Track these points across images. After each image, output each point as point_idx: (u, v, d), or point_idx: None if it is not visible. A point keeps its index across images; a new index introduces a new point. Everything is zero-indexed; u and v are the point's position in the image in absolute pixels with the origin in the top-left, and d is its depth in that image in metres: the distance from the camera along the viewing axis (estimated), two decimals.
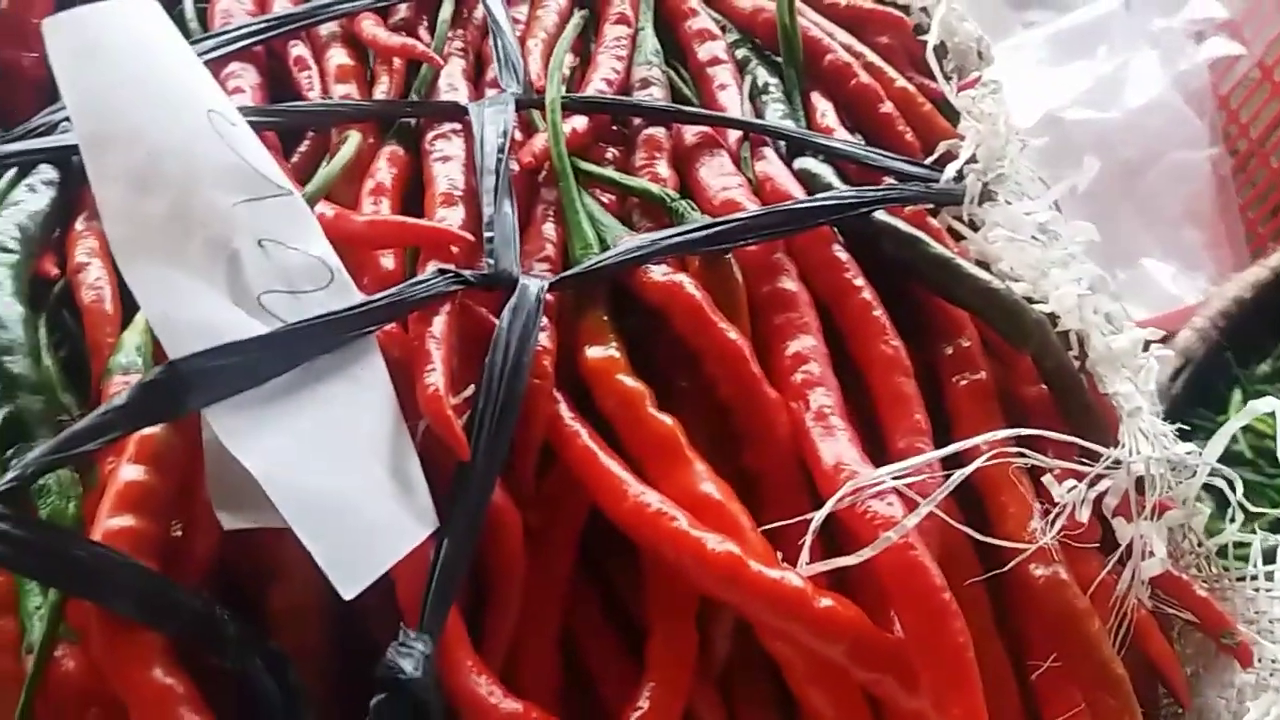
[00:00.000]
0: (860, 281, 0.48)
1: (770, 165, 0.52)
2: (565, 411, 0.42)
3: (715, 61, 0.58)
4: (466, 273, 0.43)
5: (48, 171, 0.49)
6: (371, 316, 0.40)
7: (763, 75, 0.58)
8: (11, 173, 0.49)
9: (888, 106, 0.59)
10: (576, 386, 0.43)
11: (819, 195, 0.49)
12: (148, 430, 0.38)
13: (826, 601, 0.37)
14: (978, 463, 0.40)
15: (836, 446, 0.41)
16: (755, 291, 0.47)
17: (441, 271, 0.42)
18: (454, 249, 0.44)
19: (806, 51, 0.59)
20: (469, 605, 0.40)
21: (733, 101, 0.56)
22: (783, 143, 0.54)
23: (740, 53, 0.60)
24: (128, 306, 0.45)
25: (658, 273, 0.44)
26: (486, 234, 0.44)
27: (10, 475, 0.36)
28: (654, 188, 0.48)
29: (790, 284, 0.47)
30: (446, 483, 0.39)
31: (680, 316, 0.43)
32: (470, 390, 0.41)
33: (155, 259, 0.35)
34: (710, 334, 0.43)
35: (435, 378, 0.39)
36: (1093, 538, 0.44)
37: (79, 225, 0.48)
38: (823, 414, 0.43)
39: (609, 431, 0.42)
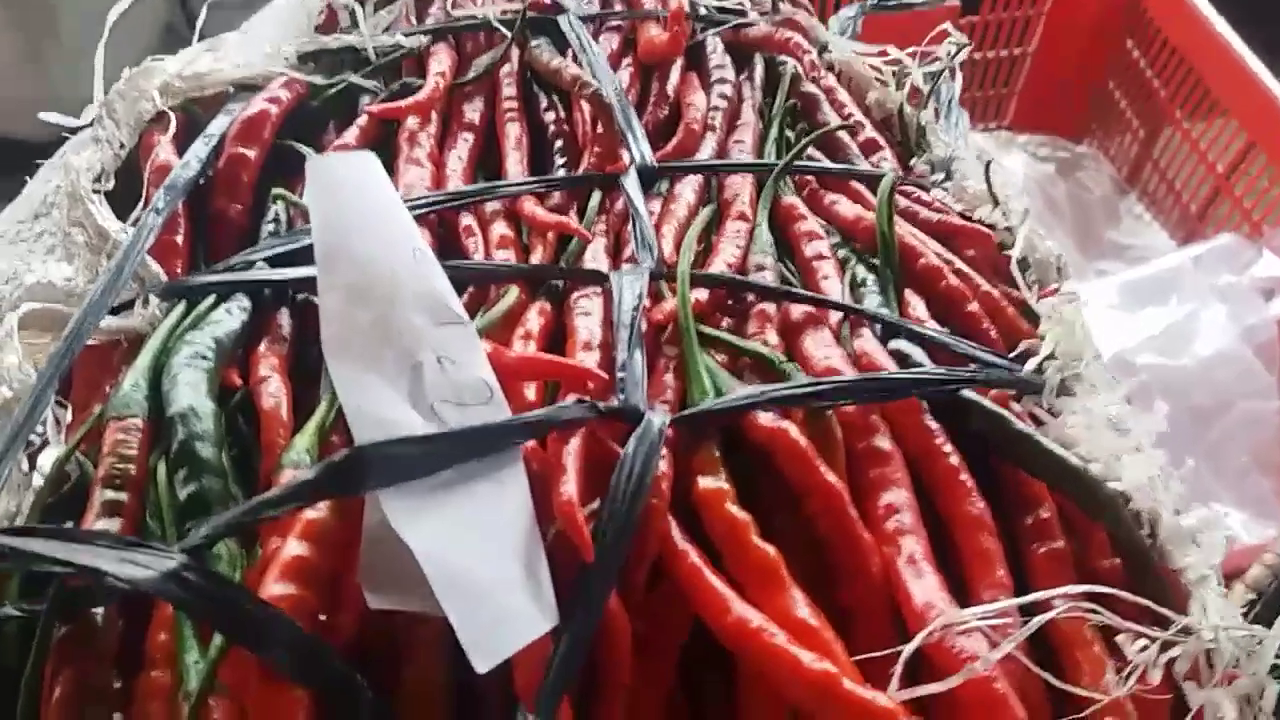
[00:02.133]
0: (949, 447, 0.52)
1: (867, 343, 0.58)
2: (677, 532, 0.46)
3: (820, 257, 0.65)
4: (600, 405, 0.49)
5: (242, 299, 0.57)
6: (520, 431, 0.45)
7: (861, 272, 0.65)
8: (212, 298, 0.57)
9: (974, 306, 0.65)
10: (688, 513, 0.48)
11: (913, 370, 0.55)
12: (313, 513, 0.43)
13: None
14: (1057, 611, 0.43)
15: (926, 588, 0.45)
16: (852, 447, 0.52)
17: (579, 401, 0.48)
18: (590, 385, 0.51)
19: (901, 255, 0.66)
20: (578, 699, 0.43)
21: (834, 290, 0.63)
22: (879, 326, 0.60)
23: (841, 253, 0.67)
24: (299, 417, 0.52)
25: (766, 418, 0.49)
26: (619, 374, 0.51)
27: (202, 532, 0.41)
28: (764, 350, 0.55)
29: (884, 443, 0.52)
30: (569, 585, 0.44)
31: (785, 458, 0.48)
32: (596, 504, 0.46)
33: (357, 359, 0.42)
34: (812, 476, 0.48)
35: (569, 488, 0.44)
36: (1164, 701, 0.46)
37: (262, 347, 0.56)
38: (913, 559, 0.47)
39: (715, 555, 0.46)
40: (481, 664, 0.39)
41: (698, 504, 0.48)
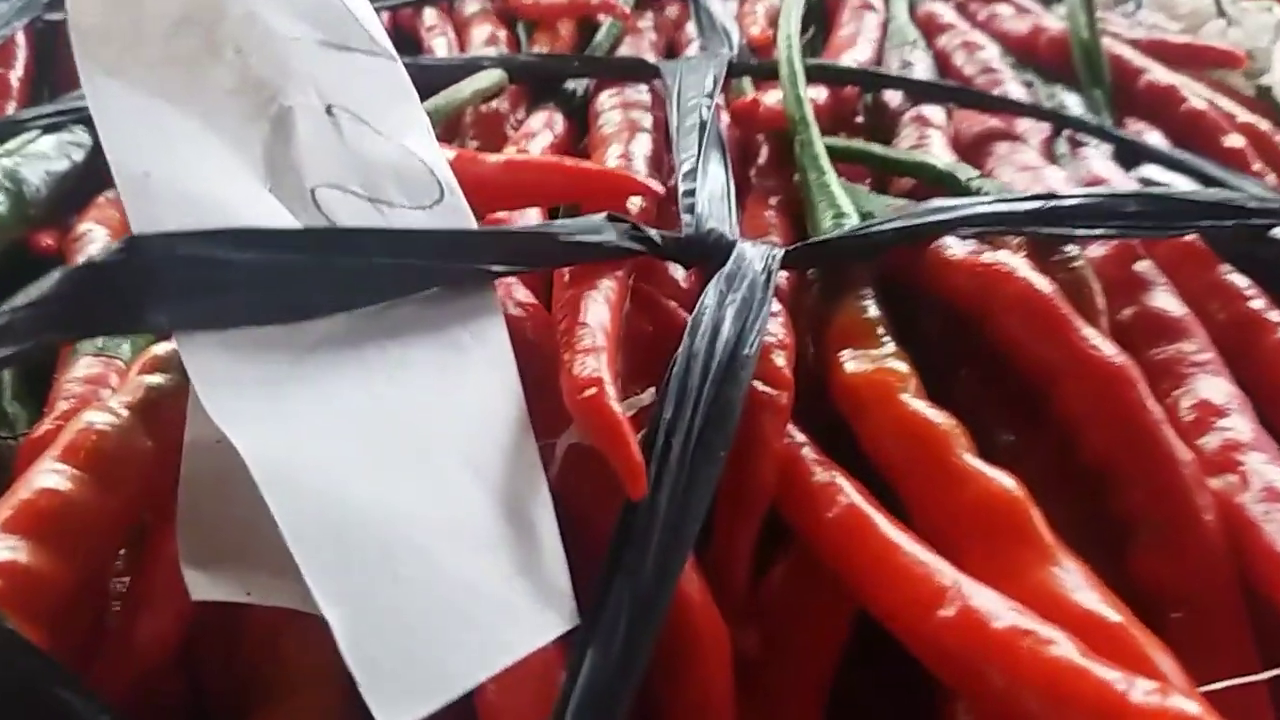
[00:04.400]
0: (1275, 314, 0.29)
1: (1100, 165, 0.35)
2: (811, 453, 0.24)
3: (988, 71, 0.42)
4: (653, 230, 0.26)
5: (80, 134, 0.36)
6: (499, 252, 0.23)
7: (1057, 95, 0.43)
8: (36, 133, 0.36)
9: (1235, 139, 0.42)
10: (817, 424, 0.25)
11: (1200, 191, 0.32)
12: (94, 418, 0.22)
13: None
14: None
15: None
16: (1111, 315, 0.29)
17: (614, 220, 0.26)
18: (635, 205, 0.28)
19: (1114, 75, 0.43)
20: None
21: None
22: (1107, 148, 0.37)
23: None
24: None
25: (965, 249, 0.26)
26: (684, 187, 0.28)
27: None
28: (938, 162, 0.32)
29: (1173, 305, 0.29)
30: (597, 553, 0.21)
31: (1012, 316, 0.25)
32: (648, 395, 0.23)
33: (142, 80, 0.20)
34: (1069, 345, 0.25)
35: (595, 363, 0.22)
36: None
37: (102, 198, 0.34)
38: (1275, 491, 0.23)
39: (885, 499, 0.23)
40: (395, 714, 0.17)
41: (846, 402, 0.25)
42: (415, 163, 0.24)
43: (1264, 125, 0.44)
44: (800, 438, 0.24)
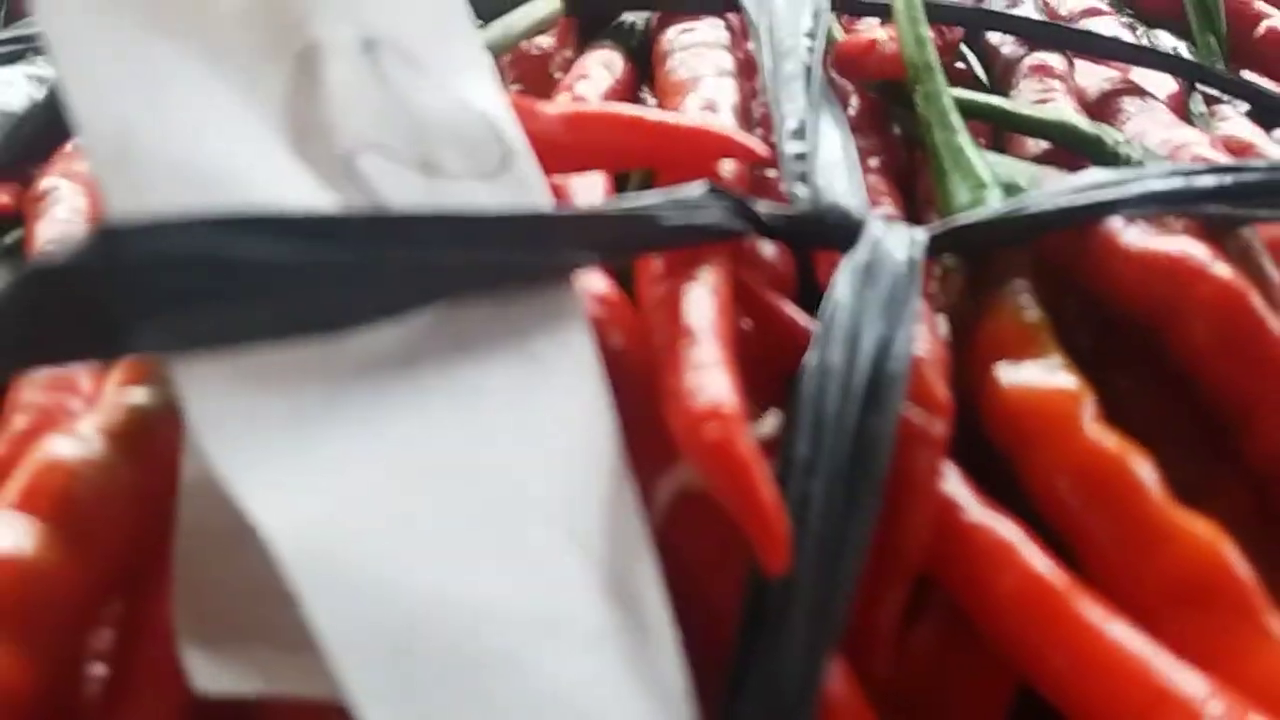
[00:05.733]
0: None
1: (1243, 128, 0.30)
2: (973, 498, 0.19)
3: (1093, 13, 0.37)
4: (761, 206, 0.21)
5: (40, 66, 0.30)
6: (587, 237, 0.18)
7: (1160, 40, 0.37)
8: None
9: None
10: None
11: None
12: (61, 450, 0.17)
13: None
14: None
15: None
16: None
17: (716, 194, 0.20)
18: (729, 168, 0.23)
19: (1228, 19, 0.38)
20: None
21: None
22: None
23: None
24: None
25: (1141, 235, 0.21)
26: (793, 150, 0.23)
27: None
28: (1083, 123, 0.27)
29: None
30: (712, 636, 0.16)
31: (1205, 324, 0.20)
32: (770, 422, 0.18)
33: (117, 3, 0.15)
34: (1271, 363, 0.20)
35: (716, 383, 0.17)
36: None
37: (70, 145, 0.29)
38: None
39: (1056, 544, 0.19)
40: None
41: (1009, 430, 0.20)
42: (476, 117, 0.19)
43: None
44: (955, 477, 0.19)
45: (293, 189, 0.16)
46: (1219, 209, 0.23)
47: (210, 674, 0.15)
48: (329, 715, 0.14)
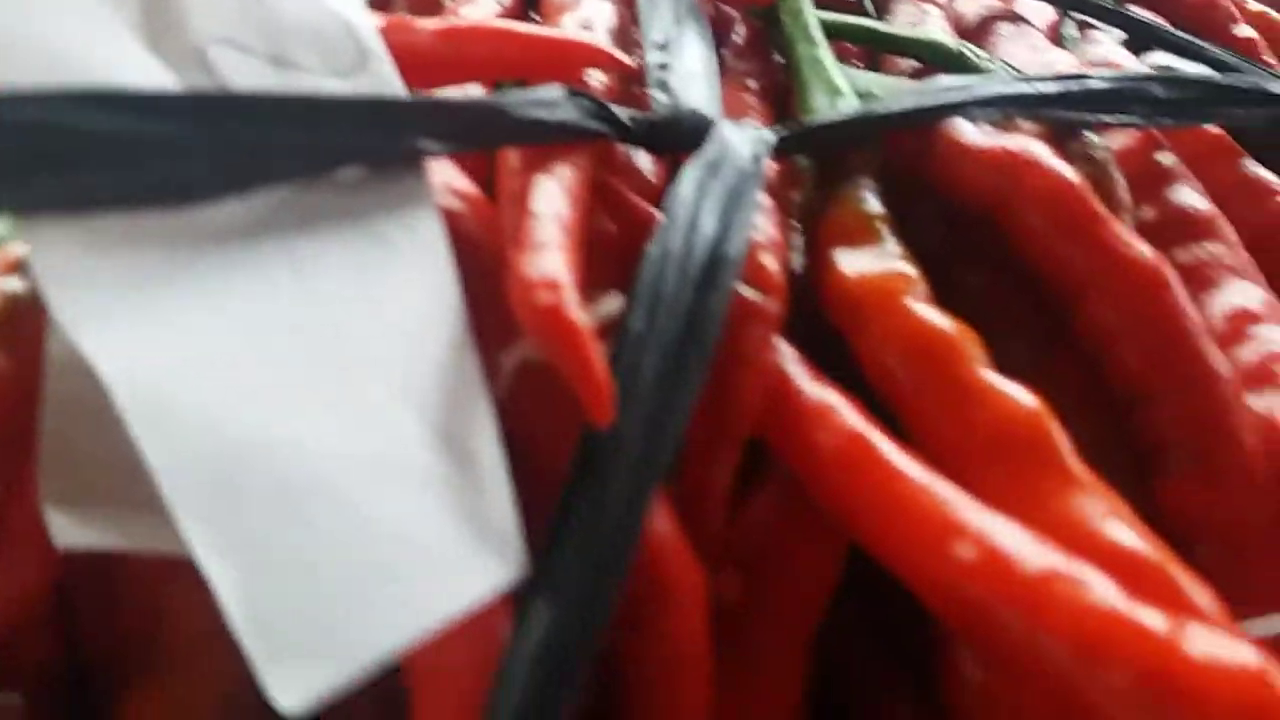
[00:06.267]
0: None
1: (1112, 51, 0.31)
2: (802, 370, 0.20)
3: None
4: (621, 111, 0.22)
5: None
6: (431, 126, 0.19)
7: None
8: None
9: (1245, 29, 0.38)
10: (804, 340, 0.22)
11: (1234, 76, 0.29)
12: None
13: None
14: None
15: None
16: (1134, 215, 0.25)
17: (574, 95, 0.22)
18: (594, 75, 0.24)
19: None
20: None
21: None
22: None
23: None
24: None
25: (981, 135, 0.23)
26: (657, 61, 0.24)
27: None
28: (950, 41, 0.28)
29: (1199, 202, 0.25)
30: (552, 492, 0.18)
31: (1037, 211, 0.22)
32: (614, 302, 0.20)
33: None
34: (1102, 247, 0.21)
35: (552, 261, 0.18)
36: None
37: None
38: None
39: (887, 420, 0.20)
40: (294, 696, 0.14)
41: (843, 310, 0.21)
42: (332, 17, 0.20)
43: (1275, 15, 0.41)
44: (788, 351, 0.21)
45: (144, 74, 0.17)
46: (1062, 114, 0.25)
47: (68, 530, 0.16)
48: (181, 568, 0.15)
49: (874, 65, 0.30)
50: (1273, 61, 0.38)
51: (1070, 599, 0.16)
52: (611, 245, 0.22)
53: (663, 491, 0.19)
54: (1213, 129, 0.28)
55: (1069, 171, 0.22)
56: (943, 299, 0.22)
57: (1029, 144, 0.22)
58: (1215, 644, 0.15)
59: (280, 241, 0.17)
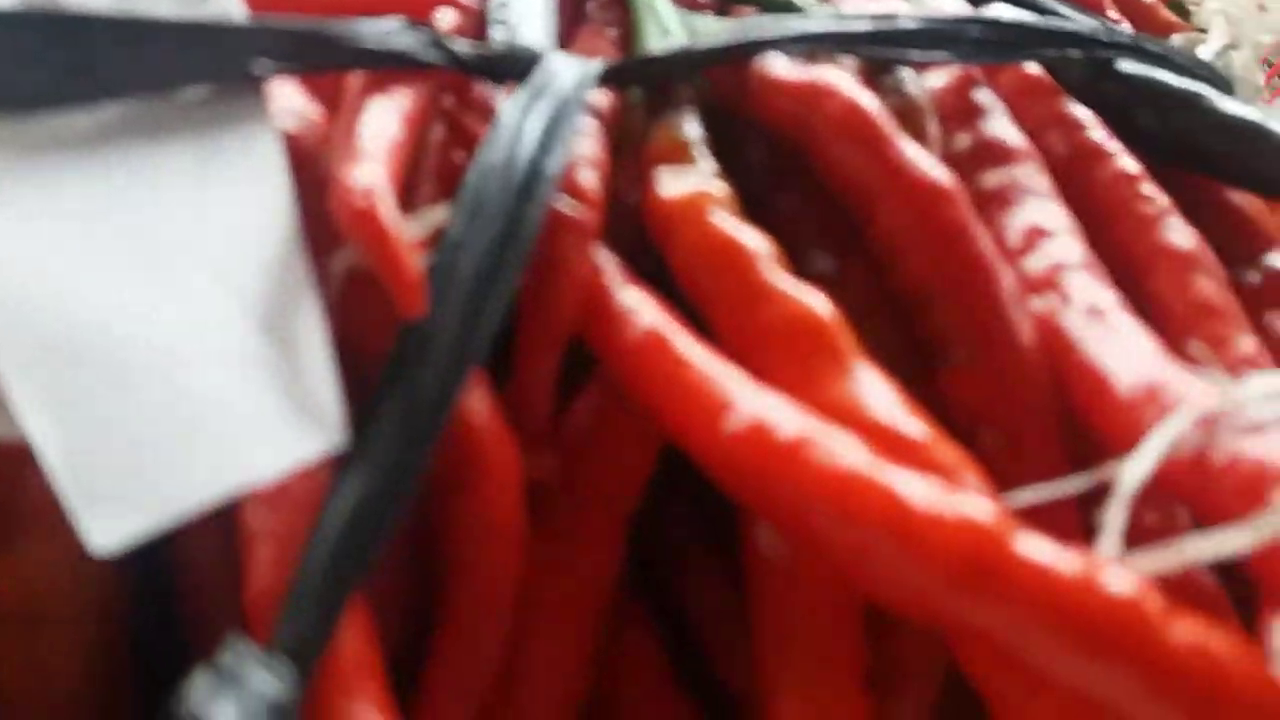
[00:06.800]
0: (1115, 145, 0.29)
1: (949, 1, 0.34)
2: (617, 276, 0.22)
3: None
4: (457, 43, 0.24)
5: None
6: (265, 48, 0.21)
7: None
8: None
9: None
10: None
11: (1047, 19, 0.31)
12: None
13: (1188, 627, 0.16)
14: None
15: (1134, 355, 0.21)
16: (947, 145, 0.28)
17: (412, 27, 0.23)
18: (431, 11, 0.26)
19: None
20: (406, 634, 0.20)
21: None
22: None
23: None
24: None
25: (792, 69, 0.25)
26: (494, 0, 0.26)
27: None
28: None
29: (1010, 133, 0.28)
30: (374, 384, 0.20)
31: (832, 134, 0.24)
32: (439, 212, 0.22)
33: None
34: (888, 163, 0.24)
35: (370, 171, 0.20)
36: None
37: None
38: (1098, 310, 0.23)
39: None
40: (106, 534, 0.15)
41: (658, 225, 0.23)
42: None
43: None
44: (608, 261, 0.23)
45: None
46: (877, 52, 0.27)
47: None
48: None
49: (724, 13, 0.32)
50: (1121, 21, 0.40)
51: (819, 459, 0.18)
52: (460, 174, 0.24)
53: (489, 385, 0.21)
54: (1032, 69, 0.30)
55: (865, 98, 0.24)
56: (758, 217, 0.24)
57: (829, 75, 0.24)
58: (950, 499, 0.17)
59: (123, 151, 0.19)
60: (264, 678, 0.16)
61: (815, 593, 0.20)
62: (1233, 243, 0.29)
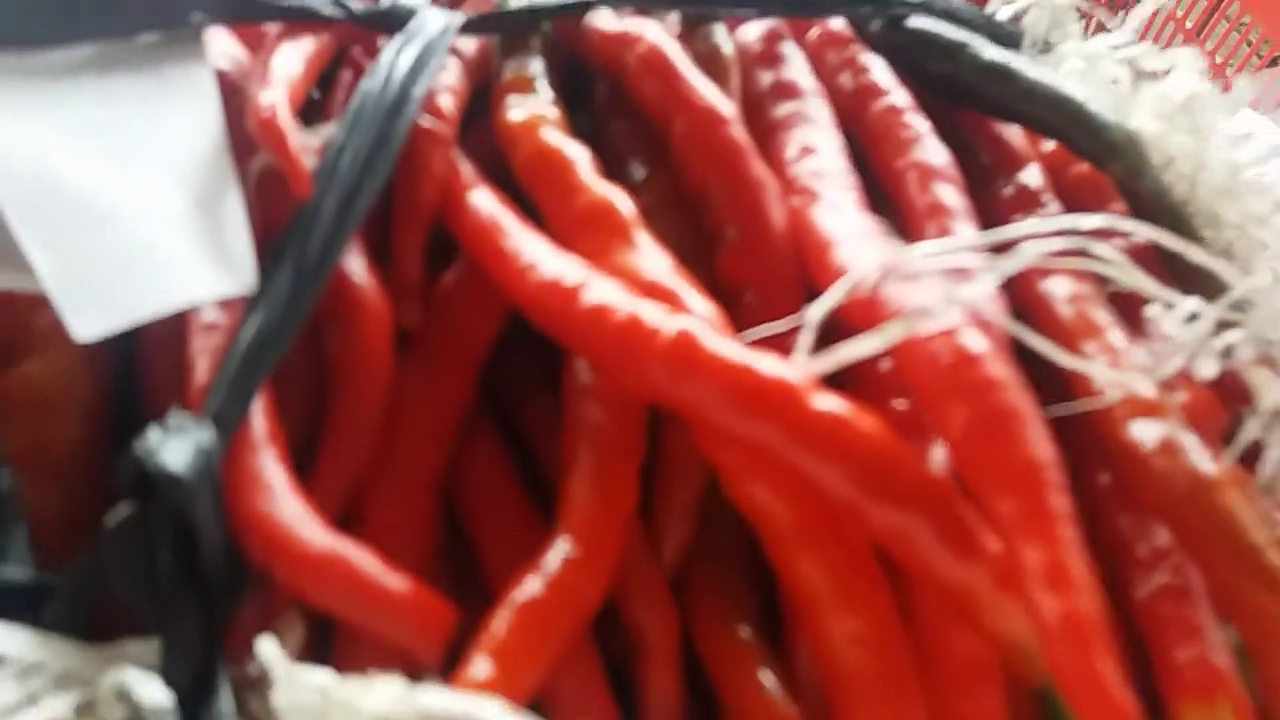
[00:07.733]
0: (889, 83, 0.36)
1: None
2: (469, 176, 0.30)
3: None
4: (352, 2, 0.32)
5: None
6: (207, 5, 0.28)
7: None
8: None
9: None
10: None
11: None
12: None
13: (829, 400, 0.24)
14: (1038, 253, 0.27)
15: (851, 232, 0.29)
16: (753, 86, 0.35)
17: None
18: None
19: None
20: (306, 428, 0.27)
21: None
22: None
23: None
24: None
25: (612, 20, 0.32)
26: None
27: None
28: None
29: (800, 77, 0.35)
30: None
31: (638, 73, 0.31)
32: (330, 127, 0.29)
33: None
34: (679, 93, 0.31)
35: (275, 93, 0.28)
36: (1213, 404, 0.30)
37: None
38: (836, 205, 0.30)
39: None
40: (85, 324, 0.23)
41: (504, 146, 0.31)
42: None
43: None
44: (465, 168, 0.30)
45: None
46: (692, 8, 0.34)
47: None
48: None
49: None
50: None
51: (590, 297, 0.26)
52: None
53: (370, 260, 0.28)
54: (836, 24, 0.38)
55: (665, 42, 0.31)
56: (597, 135, 0.31)
57: (639, 24, 0.32)
58: (666, 316, 0.25)
59: (96, 77, 0.26)
60: (199, 433, 0.23)
61: (605, 402, 0.28)
62: (995, 163, 0.37)
